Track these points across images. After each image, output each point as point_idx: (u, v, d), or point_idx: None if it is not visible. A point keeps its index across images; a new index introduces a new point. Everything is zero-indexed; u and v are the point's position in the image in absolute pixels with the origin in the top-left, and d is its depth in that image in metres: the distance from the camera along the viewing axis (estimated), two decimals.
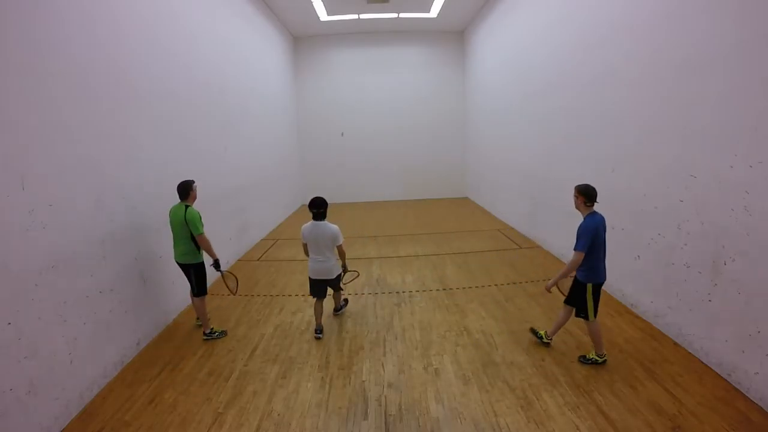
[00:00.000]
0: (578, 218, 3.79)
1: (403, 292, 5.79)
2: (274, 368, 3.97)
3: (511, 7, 9.02)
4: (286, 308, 5.35)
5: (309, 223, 4.45)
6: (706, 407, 3.16)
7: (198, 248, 4.45)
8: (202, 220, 4.45)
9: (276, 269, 6.94)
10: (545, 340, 4.18)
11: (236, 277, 4.82)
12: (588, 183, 3.75)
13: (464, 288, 5.84)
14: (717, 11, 3.52)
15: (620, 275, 4.94)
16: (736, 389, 3.36)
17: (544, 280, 5.95)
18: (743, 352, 3.32)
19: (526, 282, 5.95)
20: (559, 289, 4.08)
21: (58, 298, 3.28)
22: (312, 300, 4.74)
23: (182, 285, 5.22)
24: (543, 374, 3.71)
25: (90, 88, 3.80)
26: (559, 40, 6.65)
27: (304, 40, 13.20)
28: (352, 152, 13.82)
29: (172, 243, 4.81)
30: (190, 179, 4.54)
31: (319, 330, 4.55)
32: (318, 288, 4.58)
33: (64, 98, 3.47)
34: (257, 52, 9.52)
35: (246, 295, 5.79)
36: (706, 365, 3.70)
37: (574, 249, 3.63)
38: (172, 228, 4.47)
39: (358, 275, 4.98)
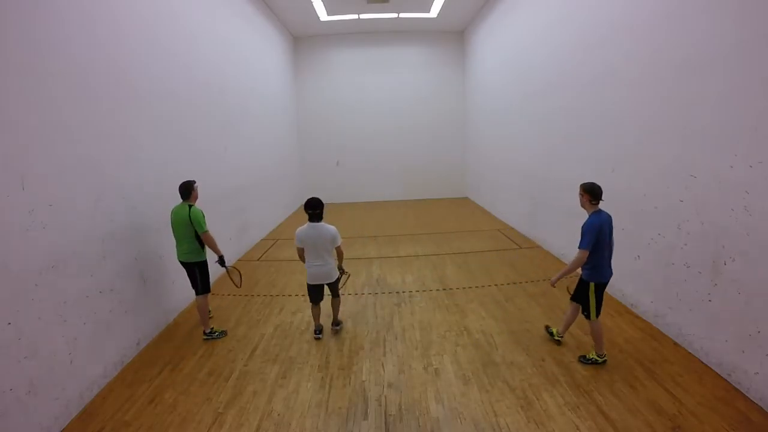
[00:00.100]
0: (578, 218, 3.80)
1: (403, 292, 5.79)
2: (274, 368, 3.97)
3: (511, 7, 9.02)
4: (286, 308, 5.35)
5: (305, 226, 4.25)
6: (706, 407, 3.16)
7: (202, 246, 4.49)
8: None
9: (276, 269, 6.94)
10: (556, 338, 4.21)
11: (239, 271, 5.07)
12: (583, 184, 3.74)
13: (464, 288, 5.84)
14: (717, 11, 3.52)
15: (620, 275, 4.91)
16: (736, 389, 3.36)
17: (544, 280, 5.96)
18: (743, 352, 3.32)
19: (526, 282, 5.95)
20: (568, 290, 4.09)
21: (58, 298, 3.28)
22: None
23: (182, 285, 5.23)
24: (543, 374, 3.71)
25: (90, 88, 3.80)
26: (559, 40, 6.65)
27: (304, 40, 13.20)
28: (352, 152, 13.82)
29: (172, 243, 4.82)
30: (191, 179, 4.56)
31: (318, 330, 4.53)
32: (318, 293, 4.47)
33: (64, 98, 3.47)
34: (257, 52, 9.52)
35: (246, 295, 5.79)
36: (706, 365, 3.71)
37: (578, 247, 3.63)
38: (174, 228, 4.48)
39: (350, 275, 4.96)
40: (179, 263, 4.65)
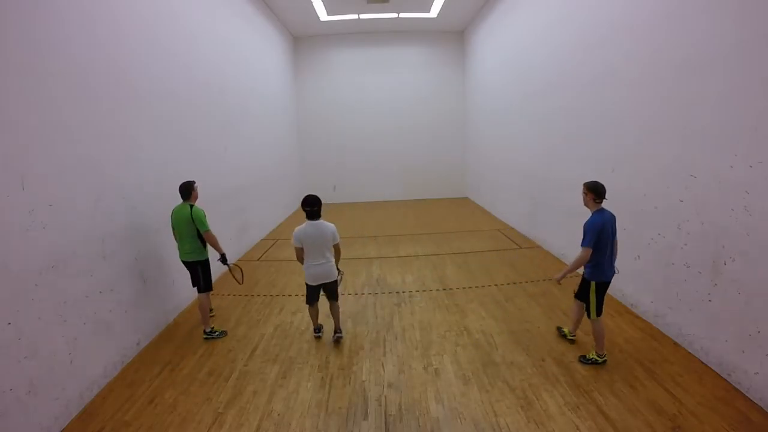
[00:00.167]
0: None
1: (403, 292, 5.79)
2: (274, 368, 3.97)
3: (511, 7, 9.02)
4: (286, 308, 5.35)
5: (305, 225, 4.11)
6: (706, 407, 3.16)
7: (204, 245, 4.54)
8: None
9: (276, 269, 6.94)
10: (570, 337, 4.22)
11: (241, 268, 5.15)
12: (586, 182, 3.75)
13: (464, 288, 5.84)
14: (717, 11, 3.52)
15: (620, 275, 4.90)
16: (736, 389, 3.36)
17: (544, 280, 5.96)
18: (743, 352, 3.32)
19: (526, 282, 5.95)
20: (574, 291, 4.11)
21: (58, 298, 3.28)
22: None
23: (182, 285, 5.23)
24: (543, 374, 3.71)
25: (90, 88, 3.80)
26: (559, 40, 6.65)
27: (304, 40, 13.20)
28: (352, 152, 13.82)
29: (172, 243, 4.83)
30: (191, 180, 4.58)
31: (318, 329, 4.52)
32: (317, 293, 4.34)
33: (64, 98, 3.47)
34: (257, 52, 9.52)
35: (246, 295, 5.79)
36: (706, 365, 3.71)
37: (581, 245, 3.64)
38: (176, 228, 4.50)
39: (344, 274, 4.90)
40: (180, 263, 4.66)
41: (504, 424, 3.11)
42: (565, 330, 4.31)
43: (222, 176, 7.03)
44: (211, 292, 4.83)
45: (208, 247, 4.59)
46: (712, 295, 3.64)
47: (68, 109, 3.51)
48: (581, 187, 3.78)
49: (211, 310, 5.05)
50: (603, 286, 3.75)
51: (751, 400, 3.22)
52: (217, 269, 5.07)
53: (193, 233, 4.42)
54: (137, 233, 4.44)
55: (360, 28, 12.64)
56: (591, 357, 3.83)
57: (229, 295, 5.77)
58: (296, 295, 5.74)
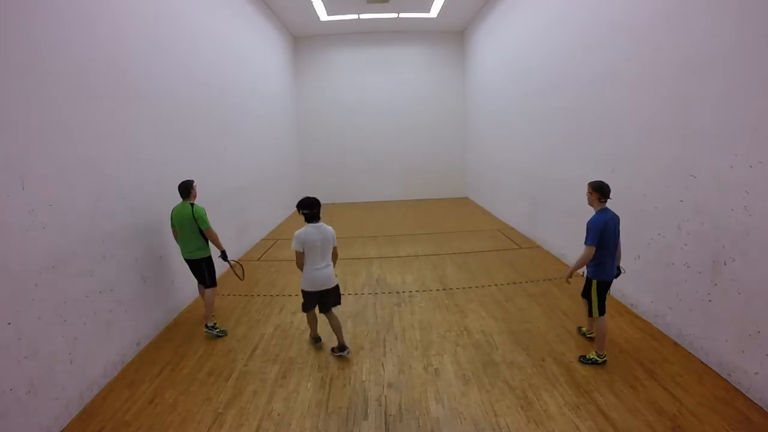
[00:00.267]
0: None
1: (403, 292, 5.79)
2: (274, 368, 3.97)
3: (511, 7, 9.02)
4: (286, 308, 5.35)
5: (308, 227, 3.88)
6: (706, 407, 3.16)
7: (206, 242, 4.59)
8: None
9: (276, 269, 6.94)
10: (589, 335, 4.24)
11: (241, 265, 5.20)
12: (591, 182, 3.77)
13: (464, 288, 5.84)
14: (717, 11, 3.52)
15: (621, 275, 4.94)
16: (736, 389, 3.36)
17: (544, 280, 5.96)
18: (743, 352, 3.32)
19: (526, 282, 5.95)
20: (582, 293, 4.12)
21: (58, 298, 3.28)
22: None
23: (182, 285, 5.24)
24: (543, 374, 3.71)
25: (90, 88, 3.80)
26: (559, 40, 6.65)
27: (304, 40, 13.20)
28: (352, 152, 13.82)
29: (172, 243, 4.85)
30: (190, 179, 4.61)
31: (317, 339, 4.36)
32: (315, 301, 4.09)
33: (64, 98, 3.47)
34: (257, 52, 9.52)
35: (246, 295, 5.79)
36: (706, 365, 3.71)
37: (584, 243, 3.66)
38: (178, 227, 4.53)
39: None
40: (180, 263, 4.68)
41: (504, 424, 3.11)
42: (584, 329, 4.35)
43: (222, 176, 7.03)
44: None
45: (210, 243, 4.64)
46: (712, 295, 3.64)
47: (68, 109, 3.51)
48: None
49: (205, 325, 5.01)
50: (604, 285, 3.75)
51: (751, 400, 3.22)
52: (217, 267, 5.06)
53: (195, 231, 4.48)
54: (137, 233, 4.44)
55: (360, 28, 12.64)
56: (591, 357, 3.83)
57: (229, 295, 5.77)
58: (296, 295, 5.73)
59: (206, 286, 4.69)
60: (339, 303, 4.19)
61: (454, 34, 13.42)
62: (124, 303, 4.12)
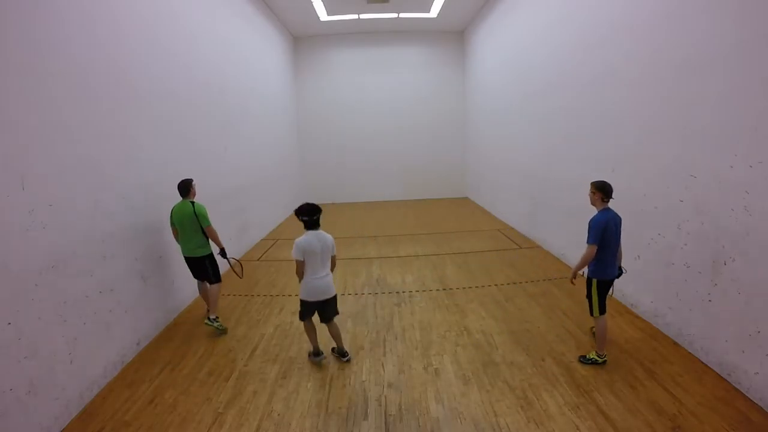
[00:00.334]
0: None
1: (403, 292, 5.79)
2: (274, 368, 3.97)
3: (511, 7, 9.02)
4: (286, 308, 5.34)
5: (308, 235, 3.73)
6: (706, 407, 3.16)
7: (207, 240, 4.67)
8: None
9: (276, 269, 6.94)
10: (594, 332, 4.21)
11: (240, 263, 5.24)
12: (594, 182, 3.79)
13: (464, 288, 5.84)
14: (717, 11, 3.52)
15: (621, 275, 4.94)
16: (736, 389, 3.36)
17: (544, 280, 5.96)
18: (743, 352, 3.32)
19: (526, 282, 5.95)
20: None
21: (58, 298, 3.28)
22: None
23: (182, 285, 5.24)
24: (543, 374, 3.71)
25: (90, 88, 3.80)
26: (559, 40, 6.65)
27: (304, 40, 13.20)
28: (352, 152, 13.82)
29: (172, 243, 4.85)
30: (189, 178, 4.65)
31: (319, 353, 4.02)
32: (313, 310, 3.93)
33: (64, 98, 3.47)
34: (257, 52, 9.52)
35: (246, 295, 5.79)
36: (706, 365, 3.71)
37: (586, 242, 3.67)
38: (179, 225, 4.56)
39: None
40: (180, 263, 4.69)
41: (504, 424, 3.11)
42: (594, 329, 4.31)
43: (222, 176, 7.03)
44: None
45: (209, 241, 4.71)
46: (712, 295, 3.64)
47: (68, 109, 3.51)
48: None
49: (207, 318, 5.03)
50: (604, 284, 3.76)
51: (751, 400, 3.22)
52: (219, 264, 5.10)
53: (196, 229, 4.55)
54: (137, 233, 4.44)
55: (360, 28, 12.64)
56: (591, 357, 3.83)
57: (229, 295, 5.77)
58: (296, 295, 5.72)
59: (211, 282, 4.77)
60: (337, 313, 4.05)
61: (454, 34, 13.42)
62: (124, 303, 4.12)
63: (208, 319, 4.66)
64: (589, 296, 3.84)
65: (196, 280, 5.00)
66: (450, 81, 13.68)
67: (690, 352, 3.91)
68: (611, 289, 3.86)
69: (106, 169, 3.98)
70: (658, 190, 4.34)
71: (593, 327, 4.40)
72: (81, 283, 3.55)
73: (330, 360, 4.09)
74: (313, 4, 10.27)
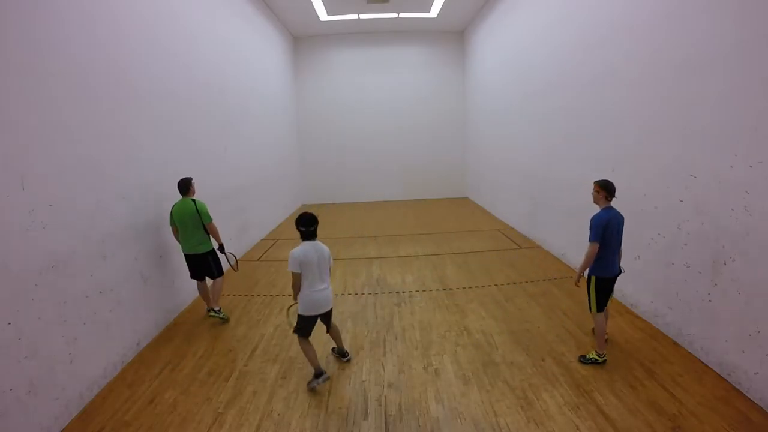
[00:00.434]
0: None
1: (403, 292, 5.79)
2: (274, 368, 3.97)
3: (511, 7, 9.02)
4: (286, 308, 5.34)
5: (306, 245, 3.54)
6: (706, 407, 3.16)
7: (208, 236, 4.79)
8: None
9: (276, 269, 6.93)
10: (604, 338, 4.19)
11: (235, 256, 5.32)
12: (598, 181, 3.81)
13: (464, 288, 5.84)
14: (717, 11, 3.52)
15: (621, 275, 4.94)
16: (736, 389, 3.36)
17: (544, 280, 5.96)
18: (743, 352, 3.32)
19: (526, 282, 5.95)
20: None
21: (58, 298, 3.28)
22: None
23: (182, 285, 5.24)
24: (543, 374, 3.71)
25: (90, 88, 3.80)
26: (559, 40, 6.65)
27: (304, 40, 13.20)
28: (352, 152, 13.82)
29: (172, 243, 4.87)
30: (188, 176, 4.73)
31: (321, 374, 3.63)
32: (312, 325, 3.69)
33: (64, 98, 3.47)
34: (257, 52, 9.52)
35: (246, 295, 5.79)
36: (706, 365, 3.71)
37: (588, 240, 3.69)
38: (179, 223, 4.62)
39: None
40: (181, 263, 4.72)
41: (504, 424, 3.11)
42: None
43: (222, 176, 7.03)
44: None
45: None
46: (712, 295, 3.64)
47: (68, 109, 3.51)
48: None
49: (210, 310, 5.08)
50: (603, 282, 3.76)
51: (751, 400, 3.22)
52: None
53: (198, 226, 4.66)
54: (137, 233, 4.44)
55: (360, 28, 12.64)
56: (591, 357, 3.83)
57: (229, 295, 5.77)
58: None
59: (213, 277, 4.93)
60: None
61: (454, 34, 13.42)
62: (124, 303, 4.12)
63: (213, 310, 4.95)
64: (588, 293, 3.86)
65: (196, 281, 5.01)
66: (450, 81, 13.68)
67: (690, 352, 3.91)
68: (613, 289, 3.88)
69: (106, 169, 3.98)
70: (658, 190, 4.34)
71: (594, 327, 4.42)
72: (81, 283, 3.55)
73: (330, 360, 4.09)
74: (313, 4, 10.27)
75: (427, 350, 4.20)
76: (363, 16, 11.41)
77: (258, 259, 7.62)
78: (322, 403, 3.43)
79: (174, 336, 4.67)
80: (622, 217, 3.78)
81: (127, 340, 4.15)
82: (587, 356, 3.86)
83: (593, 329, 4.37)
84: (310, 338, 3.72)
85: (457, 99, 13.78)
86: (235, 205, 7.60)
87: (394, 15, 11.46)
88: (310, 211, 3.75)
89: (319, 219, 3.63)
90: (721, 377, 3.53)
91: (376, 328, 4.74)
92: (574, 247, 6.14)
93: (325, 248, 3.66)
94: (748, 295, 3.26)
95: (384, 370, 3.88)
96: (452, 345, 4.28)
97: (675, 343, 4.09)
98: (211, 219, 4.75)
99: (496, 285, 5.88)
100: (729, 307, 3.46)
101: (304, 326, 3.65)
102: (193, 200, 4.69)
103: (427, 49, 13.48)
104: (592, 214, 3.76)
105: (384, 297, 5.63)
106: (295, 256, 3.47)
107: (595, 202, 3.83)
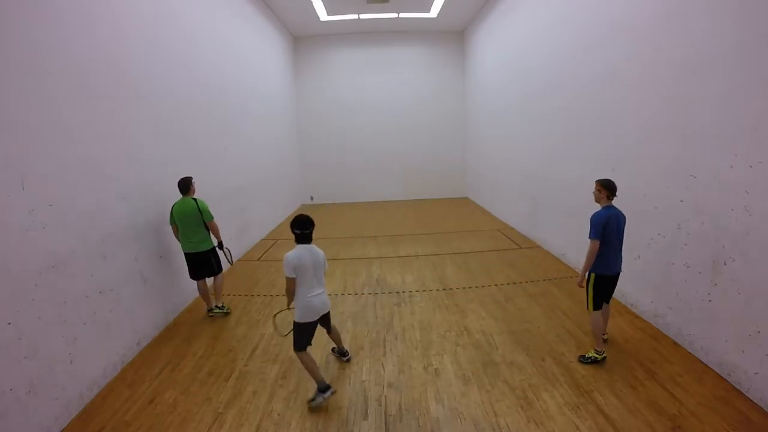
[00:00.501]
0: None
1: (403, 292, 5.79)
2: (274, 368, 3.97)
3: (511, 7, 9.02)
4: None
5: (300, 249, 3.38)
6: (706, 407, 3.16)
7: (209, 234, 4.88)
8: None
9: (276, 269, 6.93)
10: (603, 338, 4.17)
11: (229, 249, 5.38)
12: (600, 180, 3.84)
13: (464, 288, 5.84)
14: (717, 11, 3.52)
15: (621, 275, 4.94)
16: (736, 389, 3.36)
17: (544, 280, 5.96)
18: (743, 352, 3.32)
19: (526, 282, 5.95)
20: None
21: (58, 298, 3.28)
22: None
23: (182, 285, 5.25)
24: (543, 374, 3.71)
25: (90, 88, 3.80)
26: (559, 40, 6.65)
27: (304, 40, 13.20)
28: (352, 152, 13.82)
29: (172, 243, 4.88)
30: (188, 176, 4.78)
31: (327, 388, 3.44)
32: (312, 332, 3.51)
33: (64, 98, 3.47)
34: (257, 52, 9.52)
35: (246, 295, 5.79)
36: (706, 365, 3.71)
37: (588, 237, 3.71)
38: (181, 222, 4.66)
39: None
40: (181, 263, 4.73)
41: (504, 424, 3.11)
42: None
43: (222, 176, 7.03)
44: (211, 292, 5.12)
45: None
46: (712, 295, 3.64)
47: (68, 109, 3.51)
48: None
49: (209, 310, 5.10)
50: (602, 279, 3.77)
51: (751, 400, 3.22)
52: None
53: (200, 224, 4.74)
54: (137, 233, 4.44)
55: (360, 28, 12.64)
56: (590, 355, 3.84)
57: (229, 295, 5.77)
58: None
59: (215, 274, 5.04)
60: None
61: (454, 34, 13.42)
62: (124, 303, 4.12)
63: (216, 307, 5.09)
64: (586, 290, 3.88)
65: (196, 281, 5.03)
66: (450, 81, 13.67)
67: (690, 352, 3.91)
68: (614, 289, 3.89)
69: (106, 169, 3.98)
70: (658, 190, 4.34)
71: (591, 325, 4.42)
72: (81, 283, 3.55)
73: (330, 360, 4.09)
74: (313, 4, 10.27)
75: (427, 350, 4.20)
76: (363, 16, 11.41)
77: (258, 259, 7.62)
78: (322, 403, 3.42)
79: (174, 336, 4.67)
80: (624, 216, 3.79)
81: (127, 340, 4.15)
82: (586, 355, 3.86)
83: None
84: (310, 342, 3.53)
85: (457, 99, 13.78)
86: (235, 205, 7.60)
87: (394, 15, 11.46)
88: (305, 213, 3.58)
89: (315, 221, 3.49)
90: (721, 377, 3.53)
91: (376, 328, 4.74)
92: (574, 247, 6.14)
93: (320, 252, 3.51)
94: (748, 295, 3.26)
95: (384, 370, 3.88)
96: (452, 345, 4.28)
97: (675, 343, 4.09)
98: (212, 217, 4.84)
99: (496, 285, 5.88)
100: (729, 307, 3.46)
101: (302, 336, 3.45)
102: (195, 199, 4.75)
103: (427, 49, 13.48)
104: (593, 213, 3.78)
105: (384, 297, 5.63)
106: (290, 260, 3.31)
107: (596, 201, 3.85)
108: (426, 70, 13.56)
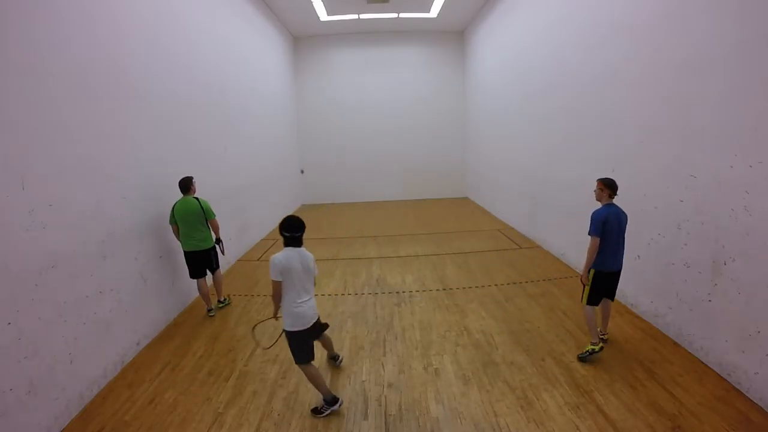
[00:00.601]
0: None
1: (403, 292, 5.79)
2: (274, 368, 3.97)
3: (511, 7, 9.02)
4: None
5: (288, 251, 3.16)
6: (706, 407, 3.16)
7: (210, 232, 4.98)
8: None
9: None
10: (601, 336, 4.19)
11: (222, 241, 5.36)
12: (601, 178, 3.89)
13: (464, 288, 5.83)
14: (717, 11, 3.52)
15: (621, 275, 4.94)
16: (736, 389, 3.36)
17: (544, 280, 5.96)
18: (743, 352, 3.32)
19: (526, 282, 5.95)
20: None
21: (58, 298, 3.28)
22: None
23: (182, 285, 5.25)
24: (543, 374, 3.71)
25: (90, 88, 3.80)
26: (559, 40, 6.65)
27: (304, 40, 13.20)
28: (352, 152, 13.82)
29: (172, 243, 4.88)
30: (189, 175, 4.85)
31: (335, 400, 3.31)
32: (309, 340, 3.30)
33: (64, 98, 3.47)
34: (257, 52, 9.52)
35: (246, 295, 5.79)
36: (706, 365, 3.71)
37: (588, 234, 3.76)
38: (182, 221, 4.71)
39: None
40: (181, 263, 4.74)
41: (504, 424, 3.11)
42: (598, 329, 4.31)
43: (222, 176, 7.03)
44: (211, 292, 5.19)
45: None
46: (712, 295, 3.64)
47: (68, 109, 3.51)
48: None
49: (210, 309, 5.12)
50: (600, 276, 3.80)
51: (751, 400, 3.22)
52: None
53: (202, 222, 4.83)
54: (137, 233, 4.44)
55: (360, 28, 12.64)
56: (587, 350, 3.87)
57: (229, 295, 5.76)
58: None
59: (214, 271, 5.19)
60: (327, 326, 3.74)
61: (454, 34, 13.42)
62: (124, 303, 4.12)
63: (219, 302, 5.30)
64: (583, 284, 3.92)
65: (196, 281, 5.03)
66: (450, 81, 13.67)
67: (690, 352, 3.91)
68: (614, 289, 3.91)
69: (106, 169, 3.98)
70: (658, 190, 4.34)
71: (586, 320, 4.42)
72: (81, 283, 3.55)
73: (330, 362, 4.08)
74: (313, 4, 10.27)
75: (427, 350, 4.20)
76: (363, 16, 11.41)
77: (258, 259, 7.62)
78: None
79: (174, 336, 4.67)
80: (625, 215, 3.81)
81: (127, 340, 4.15)
82: (584, 351, 3.88)
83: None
84: (312, 355, 3.33)
85: (457, 99, 13.78)
86: (235, 205, 7.60)
87: (394, 15, 11.46)
88: (296, 215, 3.37)
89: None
90: (721, 377, 3.53)
91: (376, 328, 4.74)
92: (574, 247, 6.14)
93: (310, 256, 3.29)
94: (748, 295, 3.26)
95: (384, 370, 3.88)
96: (452, 345, 4.28)
97: (675, 343, 4.09)
98: (214, 215, 4.96)
99: (496, 285, 5.88)
100: (729, 307, 3.46)
101: (300, 347, 3.24)
102: (197, 198, 4.82)
103: (427, 49, 13.48)
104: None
105: (384, 297, 5.63)
106: (276, 263, 3.07)
107: (597, 199, 3.89)
108: (426, 70, 13.56)
